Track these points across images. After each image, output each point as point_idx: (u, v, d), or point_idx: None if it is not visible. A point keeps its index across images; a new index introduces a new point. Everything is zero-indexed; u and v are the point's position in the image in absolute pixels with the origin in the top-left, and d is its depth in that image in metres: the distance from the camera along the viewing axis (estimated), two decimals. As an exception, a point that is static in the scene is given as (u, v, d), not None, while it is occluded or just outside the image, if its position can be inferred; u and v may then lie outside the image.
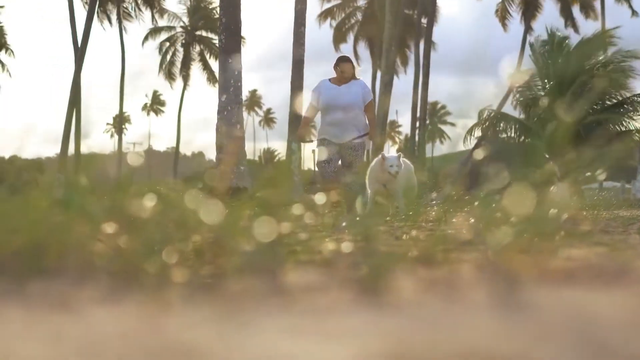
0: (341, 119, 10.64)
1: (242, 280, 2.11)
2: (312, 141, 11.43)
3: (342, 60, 10.84)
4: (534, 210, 2.88)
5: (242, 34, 19.78)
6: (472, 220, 6.38)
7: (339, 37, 56.86)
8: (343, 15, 56.66)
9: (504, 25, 46.21)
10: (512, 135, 32.67)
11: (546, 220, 2.97)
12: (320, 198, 3.48)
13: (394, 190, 10.52)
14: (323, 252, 2.65)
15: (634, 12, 49.99)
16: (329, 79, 10.93)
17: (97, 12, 48.18)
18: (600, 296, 1.95)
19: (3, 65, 54.05)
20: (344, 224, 6.94)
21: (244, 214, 2.45)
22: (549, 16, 48.16)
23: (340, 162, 10.83)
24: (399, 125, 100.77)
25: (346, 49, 56.88)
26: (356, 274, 2.26)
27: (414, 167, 11.31)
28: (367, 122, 10.85)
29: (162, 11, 56.32)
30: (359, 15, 56.30)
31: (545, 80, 29.63)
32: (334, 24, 56.72)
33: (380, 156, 10.71)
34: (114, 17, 50.53)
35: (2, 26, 53.43)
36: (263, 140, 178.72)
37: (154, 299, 1.87)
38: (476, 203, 8.95)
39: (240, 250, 2.28)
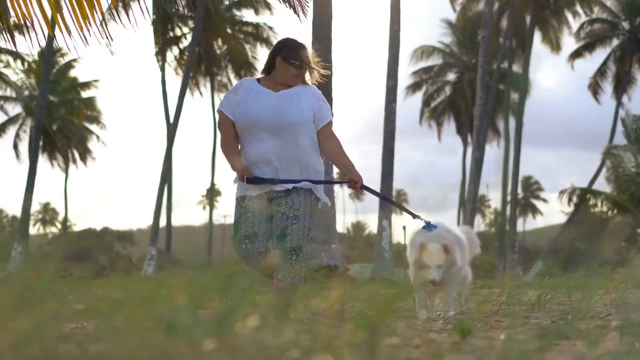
0: (275, 151, 5.75)
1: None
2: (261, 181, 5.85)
3: (300, 47, 5.85)
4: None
5: (334, 110, 19.99)
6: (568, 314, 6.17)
7: (425, 112, 56.66)
8: (431, 89, 56.55)
9: (596, 98, 45.58)
10: (604, 210, 32.23)
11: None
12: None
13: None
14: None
15: None
16: (258, 79, 5.97)
17: (189, 85, 49.20)
18: None
19: (98, 137, 55.32)
20: (438, 312, 6.79)
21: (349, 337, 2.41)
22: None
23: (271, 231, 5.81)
24: (488, 200, 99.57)
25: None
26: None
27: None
28: (332, 157, 6.00)
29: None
30: (448, 90, 56.12)
31: (639, 157, 29.22)
32: (423, 98, 56.61)
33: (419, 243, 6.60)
34: (206, 89, 51.34)
35: (95, 100, 54.80)
36: (352, 213, 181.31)
37: None
38: (573, 288, 8.62)
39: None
